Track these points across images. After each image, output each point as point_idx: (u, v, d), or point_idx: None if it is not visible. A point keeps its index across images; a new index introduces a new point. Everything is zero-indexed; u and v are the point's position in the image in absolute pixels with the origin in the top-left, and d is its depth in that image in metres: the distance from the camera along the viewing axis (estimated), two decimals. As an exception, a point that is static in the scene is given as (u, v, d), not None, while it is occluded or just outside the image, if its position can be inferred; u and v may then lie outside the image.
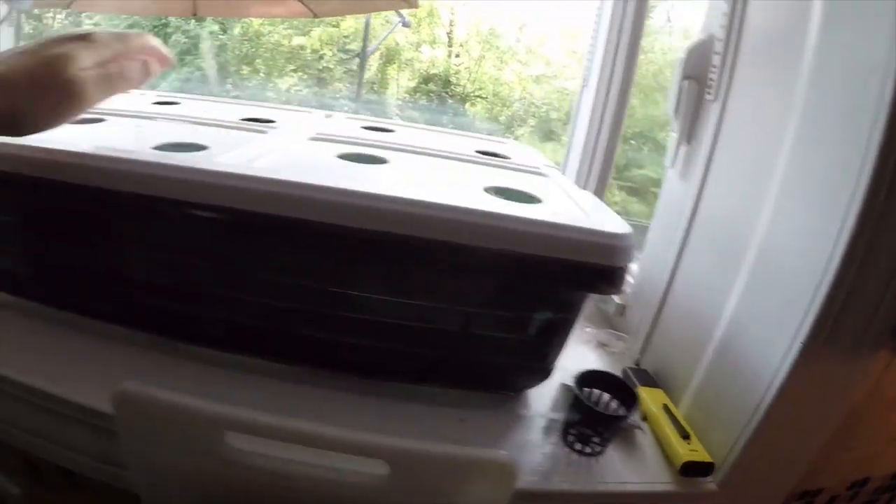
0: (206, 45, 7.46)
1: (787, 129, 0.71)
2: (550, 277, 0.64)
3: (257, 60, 7.72)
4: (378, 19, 6.29)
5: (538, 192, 0.77)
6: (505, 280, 0.66)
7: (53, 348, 0.77)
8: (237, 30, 7.48)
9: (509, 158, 0.98)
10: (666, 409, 0.80)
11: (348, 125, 1.09)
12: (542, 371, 0.77)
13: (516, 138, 7.56)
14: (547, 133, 7.49)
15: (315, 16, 3.46)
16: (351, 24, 7.07)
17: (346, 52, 7.53)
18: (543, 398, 0.81)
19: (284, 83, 7.75)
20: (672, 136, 0.93)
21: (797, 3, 0.72)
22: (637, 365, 0.95)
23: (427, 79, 7.88)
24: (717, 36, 0.85)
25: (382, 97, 7.59)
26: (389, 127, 1.11)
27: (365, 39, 4.42)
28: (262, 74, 7.79)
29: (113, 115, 0.95)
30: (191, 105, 1.16)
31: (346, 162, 0.80)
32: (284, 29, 7.56)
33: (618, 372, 0.90)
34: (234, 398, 0.66)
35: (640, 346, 0.97)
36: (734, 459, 0.71)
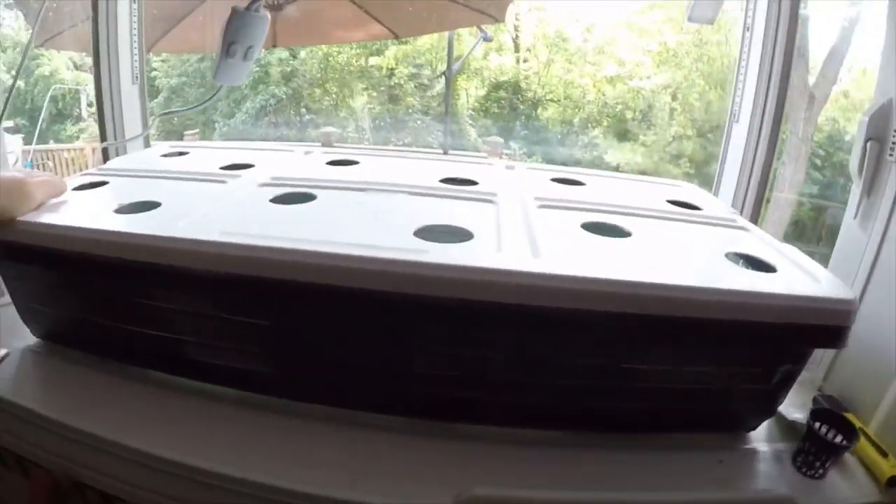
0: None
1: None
2: (797, 339, 0.77)
3: (328, 83, 7.88)
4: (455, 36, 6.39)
5: (767, 257, 0.88)
6: (762, 344, 0.78)
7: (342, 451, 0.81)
8: (303, 53, 7.61)
9: (702, 210, 1.09)
10: (862, 431, 0.92)
11: (539, 179, 1.18)
12: (772, 412, 0.90)
13: (592, 138, 7.59)
14: (623, 133, 7.49)
15: (397, 36, 3.59)
16: (425, 40, 7.22)
17: (416, 66, 7.66)
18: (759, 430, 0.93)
19: (357, 102, 7.92)
20: (854, 191, 1.05)
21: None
22: (821, 391, 1.08)
23: (497, 86, 7.94)
24: (896, 102, 0.97)
25: (454, 109, 7.67)
26: (580, 179, 1.20)
27: (449, 58, 4.52)
28: (333, 95, 7.95)
29: (317, 188, 1.00)
30: (368, 164, 1.23)
31: (596, 236, 0.89)
32: (353, 49, 7.69)
33: (809, 400, 1.03)
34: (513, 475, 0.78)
35: (824, 375, 1.09)
36: (924, 471, 0.85)
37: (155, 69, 7.55)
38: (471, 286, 0.71)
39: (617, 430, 0.87)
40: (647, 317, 0.72)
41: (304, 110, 7.81)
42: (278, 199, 0.95)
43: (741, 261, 0.88)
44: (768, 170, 1.44)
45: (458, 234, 0.84)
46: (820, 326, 0.75)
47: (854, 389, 1.02)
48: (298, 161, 1.24)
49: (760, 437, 0.92)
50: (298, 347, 0.85)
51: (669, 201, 1.11)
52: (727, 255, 0.87)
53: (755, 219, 1.47)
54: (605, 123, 7.59)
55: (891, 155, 0.98)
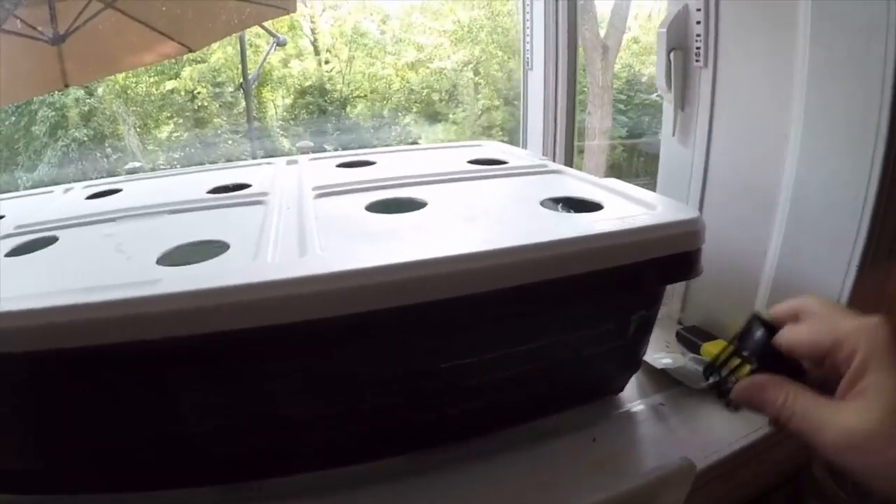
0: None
1: (797, 79, 0.76)
2: (645, 278, 0.64)
3: (130, 117, 7.40)
4: (249, 47, 6.17)
5: (589, 195, 0.76)
6: (608, 294, 0.65)
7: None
8: (100, 90, 7.08)
9: (508, 163, 0.97)
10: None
11: (322, 168, 1.03)
12: (637, 364, 0.79)
13: (404, 126, 7.68)
14: (433, 115, 7.57)
15: (191, 50, 3.33)
16: (220, 56, 6.90)
17: (217, 85, 7.32)
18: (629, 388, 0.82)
19: (162, 132, 7.47)
20: (666, 108, 0.97)
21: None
22: (681, 324, 1.00)
23: (302, 92, 7.79)
24: (693, 6, 0.89)
25: (264, 122, 7.46)
26: (370, 160, 1.06)
27: (244, 66, 4.20)
28: (137, 129, 7.46)
29: (64, 228, 0.81)
30: (132, 189, 1.03)
31: (383, 215, 0.73)
32: (151, 77, 7.25)
33: (672, 338, 0.95)
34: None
35: (679, 307, 1.01)
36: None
37: None
38: (212, 314, 0.51)
39: (465, 438, 0.72)
40: (453, 300, 0.56)
41: (109, 150, 7.28)
42: (15, 251, 0.75)
43: (560, 205, 0.75)
44: (572, 116, 1.38)
45: (213, 249, 0.66)
46: (668, 258, 0.63)
47: (716, 314, 0.95)
48: (55, 202, 1.03)
49: (633, 397, 0.81)
50: (34, 429, 0.62)
51: (471, 161, 0.99)
52: (542, 203, 0.73)
53: (570, 158, 1.41)
54: (414, 109, 7.67)
55: (697, 60, 0.91)
